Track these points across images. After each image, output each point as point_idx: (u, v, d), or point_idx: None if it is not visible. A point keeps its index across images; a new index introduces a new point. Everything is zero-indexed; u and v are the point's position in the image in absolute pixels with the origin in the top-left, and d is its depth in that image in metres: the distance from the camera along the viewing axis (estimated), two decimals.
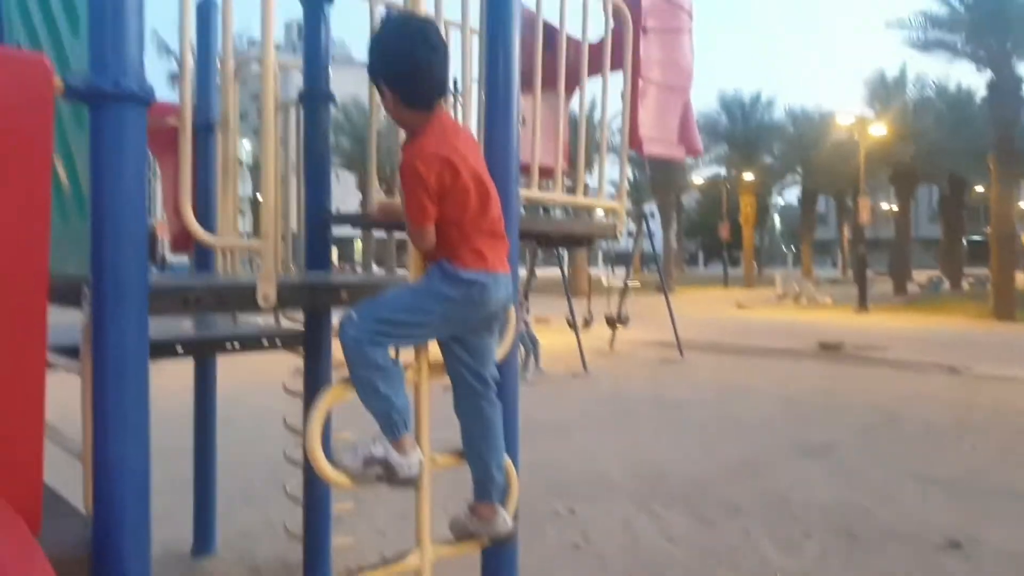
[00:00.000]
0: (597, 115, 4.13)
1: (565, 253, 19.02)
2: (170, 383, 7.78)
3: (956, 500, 5.84)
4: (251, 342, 3.76)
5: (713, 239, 67.60)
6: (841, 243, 60.48)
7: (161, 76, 39.44)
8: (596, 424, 8.64)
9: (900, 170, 38.53)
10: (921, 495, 5.97)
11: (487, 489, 2.60)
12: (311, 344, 3.63)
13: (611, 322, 15.17)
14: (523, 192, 3.09)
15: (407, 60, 2.25)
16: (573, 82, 3.46)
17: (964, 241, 47.82)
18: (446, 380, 2.56)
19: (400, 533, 4.79)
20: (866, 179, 31.89)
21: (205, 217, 3.64)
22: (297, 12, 3.55)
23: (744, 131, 46.41)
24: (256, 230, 2.61)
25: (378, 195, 3.56)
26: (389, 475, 2.33)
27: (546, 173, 3.56)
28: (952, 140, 35.59)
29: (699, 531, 5.21)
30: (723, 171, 52.51)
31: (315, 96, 3.50)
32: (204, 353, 4.34)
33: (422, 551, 2.50)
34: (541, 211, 9.47)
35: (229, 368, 5.93)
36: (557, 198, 3.64)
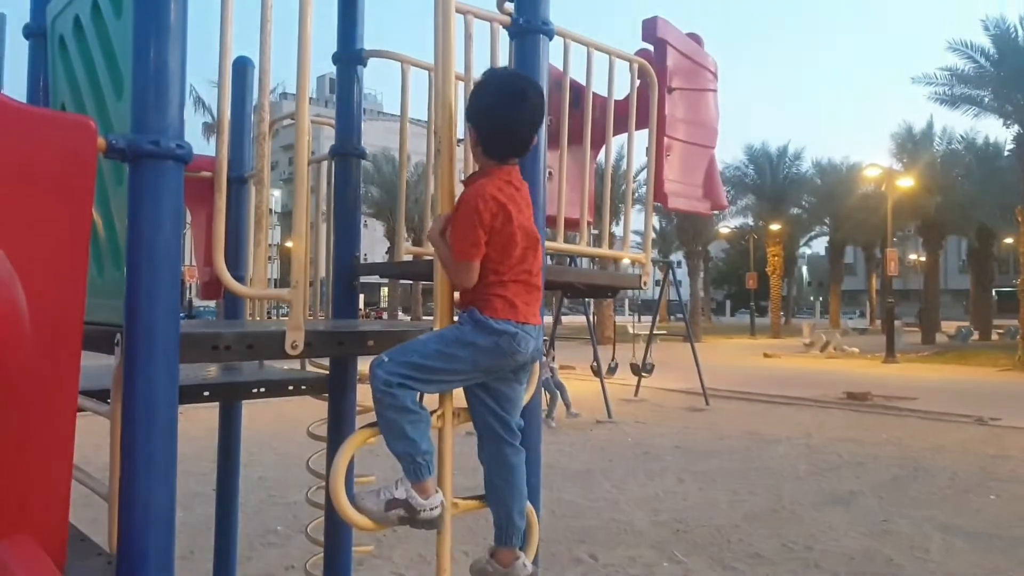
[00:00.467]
0: (623, 167, 4.20)
1: (591, 301, 19.04)
2: (193, 429, 7.89)
3: (982, 552, 5.78)
4: (277, 387, 3.81)
5: (740, 288, 67.29)
6: (870, 293, 59.92)
7: (195, 128, 40.28)
8: (620, 471, 8.59)
9: (928, 222, 38.39)
10: (946, 546, 5.92)
11: (508, 534, 2.61)
12: (336, 390, 3.67)
13: (636, 370, 15.12)
14: (549, 244, 3.14)
15: (497, 117, 2.39)
16: (600, 138, 3.53)
17: (994, 292, 47.20)
18: (470, 426, 2.60)
19: None
20: (894, 230, 31.71)
21: (235, 266, 3.71)
22: (330, 65, 3.65)
23: (772, 183, 46.37)
24: (284, 276, 2.67)
25: (406, 244, 3.64)
26: (411, 517, 2.34)
27: (572, 225, 3.62)
28: (980, 192, 35.44)
29: None
30: (751, 221, 52.43)
31: (347, 153, 3.59)
32: (230, 398, 4.39)
33: None
34: (568, 261, 9.58)
35: (253, 413, 5.99)
36: (583, 250, 3.69)
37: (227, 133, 2.41)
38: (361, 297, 4.62)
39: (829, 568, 5.36)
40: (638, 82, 3.43)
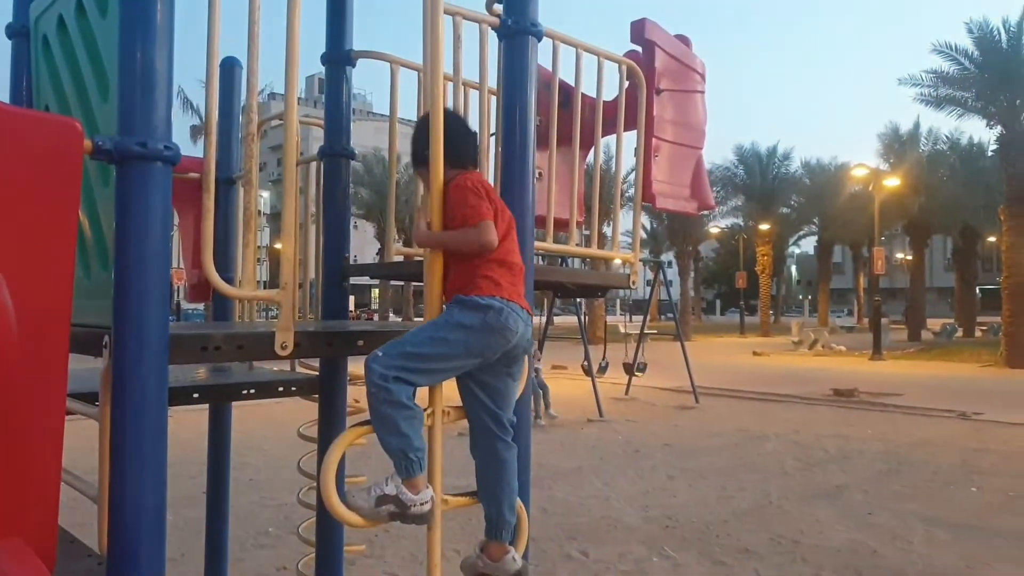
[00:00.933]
0: (612, 168, 4.21)
1: (582, 302, 19.05)
2: (182, 432, 7.85)
3: (963, 542, 5.87)
4: (266, 389, 3.81)
5: (730, 288, 67.56)
6: (857, 292, 60.22)
7: (183, 130, 40.01)
8: (611, 468, 8.62)
9: (914, 221, 38.68)
10: (928, 537, 6.01)
11: (498, 528, 2.63)
12: (326, 390, 3.67)
13: (629, 369, 15.16)
14: (539, 244, 3.15)
15: (456, 133, 2.60)
16: (589, 139, 3.54)
17: (978, 290, 47.53)
18: (461, 425, 2.61)
19: (412, 575, 4.79)
20: (881, 229, 31.88)
21: (223, 268, 3.70)
22: (319, 66, 3.65)
23: (761, 183, 46.49)
24: (273, 279, 2.67)
25: (396, 245, 3.64)
26: (401, 513, 2.36)
27: (562, 226, 3.63)
28: (965, 192, 35.71)
29: (711, 573, 5.23)
30: (740, 221, 52.58)
31: (336, 154, 3.59)
32: (220, 399, 4.37)
33: None
34: (560, 262, 9.59)
35: (242, 416, 5.98)
36: (572, 250, 3.70)
37: (215, 134, 2.40)
38: (352, 299, 4.61)
39: (815, 561, 5.43)
40: (627, 83, 3.44)
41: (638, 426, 11.74)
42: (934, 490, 7.59)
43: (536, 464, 3.08)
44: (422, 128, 2.58)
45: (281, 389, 3.84)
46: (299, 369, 4.31)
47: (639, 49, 3.54)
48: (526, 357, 2.65)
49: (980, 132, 66.44)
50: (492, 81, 3.06)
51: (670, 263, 48.39)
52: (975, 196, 34.91)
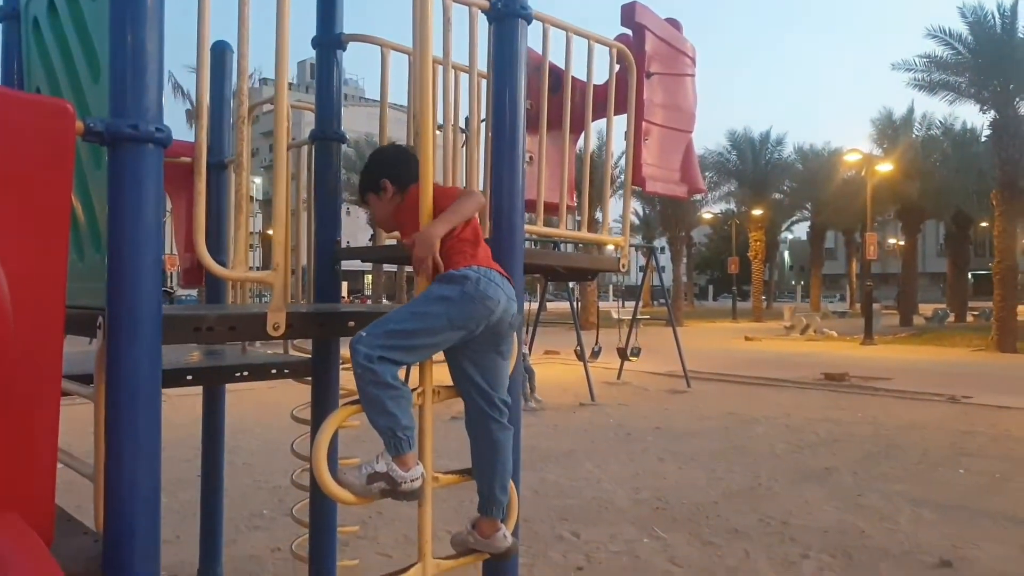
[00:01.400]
0: (603, 152, 4.22)
1: (575, 287, 19.07)
2: (176, 416, 7.89)
3: (949, 522, 5.95)
4: (259, 371, 3.84)
5: (723, 273, 67.57)
6: (850, 277, 60.37)
7: (178, 116, 39.77)
8: (602, 452, 8.68)
9: (907, 206, 38.74)
10: (916, 518, 6.08)
11: (490, 506, 2.68)
12: (318, 372, 3.70)
13: (623, 354, 15.22)
14: (529, 227, 3.17)
15: (406, 157, 2.80)
16: (579, 123, 3.56)
17: (970, 275, 47.68)
18: (452, 406, 2.64)
19: (405, 556, 4.84)
20: (874, 215, 31.93)
21: (216, 252, 3.72)
22: (310, 51, 3.65)
23: (754, 169, 46.46)
24: (266, 264, 2.69)
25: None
26: (392, 489, 2.39)
27: (552, 209, 3.66)
28: (957, 178, 35.81)
29: (700, 553, 5.28)
30: (733, 207, 52.59)
31: (327, 138, 3.60)
32: (213, 382, 4.41)
33: (424, 565, 2.56)
34: (553, 246, 9.61)
35: (236, 400, 6.00)
36: (562, 233, 3.73)
37: (206, 117, 2.42)
38: (345, 284, 4.64)
39: (803, 541, 5.49)
40: (617, 67, 3.46)
41: (630, 410, 11.80)
42: (922, 472, 7.67)
43: (528, 447, 3.12)
44: (376, 160, 2.85)
45: (274, 371, 3.87)
46: (292, 352, 4.35)
47: (629, 32, 3.55)
48: (515, 335, 2.68)
49: (974, 117, 66.53)
50: (483, 64, 3.08)
51: (663, 249, 48.41)
52: (968, 181, 35.01)
